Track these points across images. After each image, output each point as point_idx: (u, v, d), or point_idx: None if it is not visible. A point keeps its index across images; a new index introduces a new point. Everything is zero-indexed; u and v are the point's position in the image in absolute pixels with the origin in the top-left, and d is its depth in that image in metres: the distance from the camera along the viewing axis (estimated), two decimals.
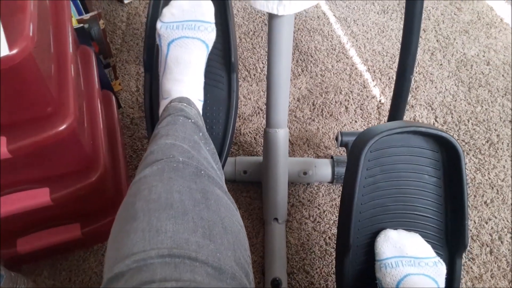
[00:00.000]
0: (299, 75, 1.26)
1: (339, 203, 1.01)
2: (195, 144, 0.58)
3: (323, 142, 1.11)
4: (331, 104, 1.19)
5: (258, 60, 1.29)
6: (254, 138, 1.12)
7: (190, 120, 0.62)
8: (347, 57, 1.31)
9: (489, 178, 1.05)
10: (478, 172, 1.07)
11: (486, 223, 0.99)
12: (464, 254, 0.66)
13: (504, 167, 1.07)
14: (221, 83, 0.83)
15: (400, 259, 0.59)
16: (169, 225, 0.43)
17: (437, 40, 1.36)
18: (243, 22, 1.39)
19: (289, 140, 1.11)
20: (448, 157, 0.64)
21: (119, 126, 1.00)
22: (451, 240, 0.65)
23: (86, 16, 1.00)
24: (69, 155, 0.70)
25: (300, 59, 1.30)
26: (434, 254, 0.61)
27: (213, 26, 0.72)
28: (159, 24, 0.72)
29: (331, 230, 0.97)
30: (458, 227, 0.63)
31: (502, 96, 1.21)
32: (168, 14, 0.71)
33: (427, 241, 0.63)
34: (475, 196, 1.03)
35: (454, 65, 1.29)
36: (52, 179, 0.71)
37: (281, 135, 0.89)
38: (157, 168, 0.50)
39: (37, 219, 0.79)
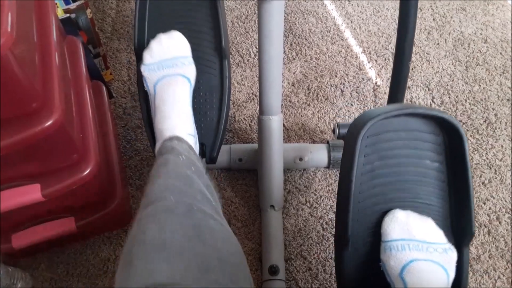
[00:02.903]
0: (293, 59, 1.24)
1: (336, 188, 1.00)
2: (188, 179, 0.58)
3: (318, 127, 1.10)
4: (327, 87, 1.17)
5: (251, 45, 1.27)
6: (249, 125, 1.11)
7: (181, 157, 0.62)
8: (342, 39, 1.28)
9: (487, 158, 1.05)
10: (476, 152, 1.06)
11: (484, 203, 0.98)
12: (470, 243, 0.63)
13: (502, 146, 1.06)
14: (213, 68, 0.82)
15: (407, 242, 0.56)
16: (163, 265, 0.43)
17: (433, 19, 1.34)
18: (235, 6, 1.36)
19: (284, 126, 1.10)
20: (450, 140, 0.61)
21: (111, 116, 0.99)
22: (456, 229, 0.61)
23: (73, 6, 0.98)
24: (58, 150, 0.69)
25: (294, 43, 1.27)
26: (446, 240, 0.58)
27: (190, 59, 0.76)
28: (142, 68, 0.75)
29: (328, 216, 0.96)
30: (464, 214, 0.60)
31: (500, 75, 1.20)
32: (148, 56, 0.75)
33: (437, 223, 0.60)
34: (473, 176, 1.02)
35: (451, 44, 1.27)
36: (43, 174, 0.70)
37: (275, 122, 0.88)
38: (150, 210, 0.51)
39: (31, 214, 0.79)
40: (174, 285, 0.41)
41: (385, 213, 0.61)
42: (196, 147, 0.73)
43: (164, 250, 0.45)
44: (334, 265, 0.90)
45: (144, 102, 0.79)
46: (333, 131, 0.93)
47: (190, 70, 0.76)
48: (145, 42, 0.81)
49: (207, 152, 0.81)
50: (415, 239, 0.56)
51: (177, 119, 0.70)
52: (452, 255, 0.57)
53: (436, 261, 0.56)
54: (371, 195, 0.62)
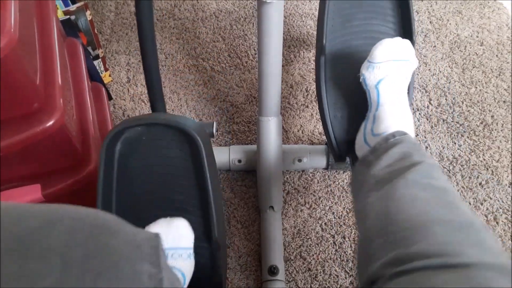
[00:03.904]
0: (292, 61, 1.24)
1: (334, 189, 1.01)
2: None
3: (317, 129, 1.11)
4: None
5: (249, 47, 1.27)
6: (248, 126, 1.11)
7: None
8: None
9: (484, 160, 1.05)
10: (472, 153, 1.06)
11: (482, 204, 0.99)
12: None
13: (498, 148, 1.07)
14: (202, 260, 0.64)
15: (387, 62, 0.71)
16: None
17: (430, 22, 1.35)
18: (234, 9, 1.37)
19: (283, 128, 1.10)
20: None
21: (111, 118, 0.99)
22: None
23: (73, 7, 0.98)
24: (59, 151, 0.69)
25: (292, 45, 1.28)
26: (414, 55, 0.73)
27: (191, 253, 0.61)
28: None
29: (326, 216, 0.97)
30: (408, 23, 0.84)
31: (496, 77, 1.21)
32: None
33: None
34: (470, 177, 1.03)
35: (448, 47, 1.28)
36: (44, 175, 0.70)
37: (274, 123, 0.88)
38: None
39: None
40: None
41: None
42: None
43: None
44: (333, 265, 0.91)
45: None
46: None
47: (188, 266, 0.61)
48: (112, 205, 0.64)
49: None
50: (394, 59, 0.71)
51: None
52: (414, 61, 0.74)
53: (403, 72, 0.72)
54: (340, 24, 0.81)
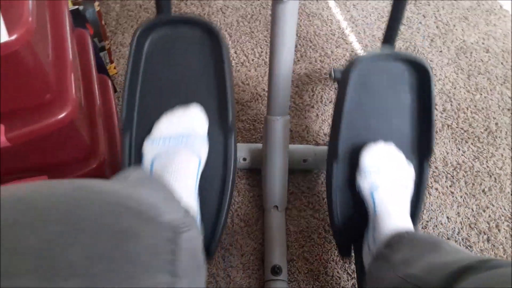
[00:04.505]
0: (298, 61, 1.24)
1: None
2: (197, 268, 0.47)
3: (322, 129, 1.11)
4: (331, 90, 1.18)
5: (256, 44, 1.27)
6: (253, 124, 1.11)
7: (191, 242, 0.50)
8: (346, 43, 1.29)
9: (487, 167, 1.06)
10: (476, 160, 1.07)
11: (484, 211, 0.99)
12: (430, 159, 0.83)
13: (502, 155, 1.08)
14: (216, 149, 0.69)
15: (377, 167, 0.70)
16: None
17: (436, 27, 1.35)
18: (241, 5, 1.36)
19: None
20: (421, 79, 0.77)
21: (116, 111, 0.98)
22: (420, 148, 0.77)
23: None
24: (68, 143, 0.68)
25: (299, 45, 1.28)
26: (406, 160, 0.74)
27: (205, 138, 0.66)
28: (146, 140, 0.66)
29: None
30: (426, 136, 0.76)
31: (501, 84, 1.21)
32: (157, 128, 0.66)
33: (402, 148, 0.75)
34: (473, 184, 1.03)
35: (454, 52, 1.28)
36: (51, 167, 0.69)
37: (282, 122, 0.88)
38: None
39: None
40: None
41: (367, 136, 0.76)
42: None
43: None
44: (335, 267, 0.91)
45: (128, 149, 0.68)
46: (329, 75, 1.04)
47: (202, 150, 0.66)
48: (135, 113, 0.70)
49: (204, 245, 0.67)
50: (382, 164, 0.71)
51: (178, 191, 0.58)
52: (411, 171, 0.74)
53: (399, 180, 0.70)
54: (358, 122, 0.77)
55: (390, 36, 0.96)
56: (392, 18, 0.92)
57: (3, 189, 0.34)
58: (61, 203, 0.33)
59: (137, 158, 0.67)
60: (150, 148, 0.65)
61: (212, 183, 0.67)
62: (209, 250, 0.66)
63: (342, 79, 0.78)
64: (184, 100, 0.69)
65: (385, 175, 0.70)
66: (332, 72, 1.10)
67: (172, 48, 0.72)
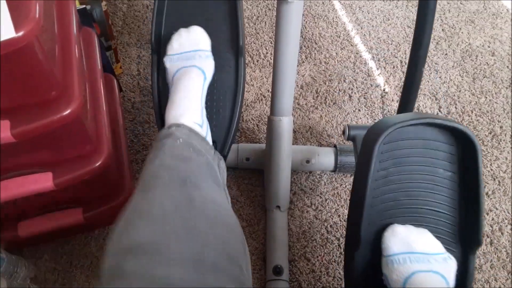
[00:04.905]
0: (303, 62, 1.24)
1: (341, 192, 1.01)
2: (185, 158, 0.59)
3: (326, 131, 1.11)
4: (335, 92, 1.18)
5: (261, 46, 1.27)
6: (257, 125, 1.11)
7: (178, 140, 0.62)
8: (351, 45, 1.29)
9: (491, 170, 1.06)
10: None
11: (487, 214, 0.99)
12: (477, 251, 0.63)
13: (506, 158, 1.07)
14: (228, 66, 0.82)
15: (408, 255, 0.57)
16: (145, 229, 0.44)
17: (442, 29, 1.35)
18: (247, 7, 1.37)
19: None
20: (464, 150, 0.62)
21: (121, 110, 0.99)
22: (464, 237, 0.62)
23: None
24: (73, 140, 0.69)
25: (304, 46, 1.28)
26: (444, 250, 0.59)
27: (209, 54, 0.77)
28: (164, 59, 0.78)
29: (332, 219, 0.97)
30: (472, 223, 0.61)
31: (506, 88, 1.21)
32: (170, 48, 0.78)
33: (439, 237, 0.61)
34: None
35: (459, 55, 1.28)
36: (56, 163, 0.70)
37: (286, 123, 0.88)
38: (142, 186, 0.52)
39: (40, 203, 0.79)
40: (152, 244, 0.42)
41: (395, 219, 0.62)
42: (208, 138, 0.72)
43: (148, 216, 0.46)
44: (337, 268, 0.91)
45: (156, 68, 0.81)
46: (343, 132, 0.92)
47: (207, 64, 0.76)
48: (161, 37, 0.82)
49: (218, 150, 0.81)
50: (415, 251, 0.58)
51: (183, 108, 0.69)
52: (451, 263, 0.58)
53: (436, 271, 0.56)
54: (384, 200, 0.63)
55: (407, 103, 0.85)
56: (407, 85, 0.83)
57: None
58: None
59: (162, 73, 0.80)
60: (170, 64, 0.77)
61: (225, 95, 0.80)
62: (222, 155, 0.78)
63: (364, 147, 0.64)
64: (201, 23, 0.80)
65: (419, 263, 0.57)
66: (347, 129, 0.91)
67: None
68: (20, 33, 0.47)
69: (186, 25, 0.80)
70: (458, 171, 0.63)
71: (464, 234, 0.63)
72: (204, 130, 0.71)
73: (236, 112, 0.80)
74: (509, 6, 1.42)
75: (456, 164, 0.63)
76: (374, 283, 0.62)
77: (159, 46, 0.81)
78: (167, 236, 0.44)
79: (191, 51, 0.76)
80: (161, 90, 0.79)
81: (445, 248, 0.60)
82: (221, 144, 0.81)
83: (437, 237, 0.61)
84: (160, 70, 0.80)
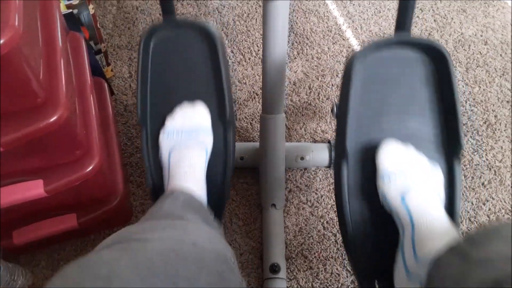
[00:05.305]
0: (295, 58, 1.24)
1: None
2: (178, 217, 0.58)
3: (320, 127, 1.10)
4: (328, 87, 1.18)
5: (253, 43, 1.27)
6: (250, 123, 1.11)
7: (179, 199, 0.63)
8: (343, 39, 1.28)
9: (487, 159, 1.05)
10: (475, 153, 1.06)
11: (484, 204, 0.99)
12: (461, 160, 0.67)
13: (501, 148, 1.07)
14: (218, 136, 0.76)
15: (401, 169, 0.61)
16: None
17: (434, 20, 1.34)
18: (237, 4, 1.36)
19: (286, 125, 1.10)
20: (437, 66, 0.67)
21: (113, 113, 0.99)
22: (447, 143, 0.66)
23: (75, 1, 0.97)
24: (62, 146, 0.68)
25: (296, 42, 1.27)
26: (429, 164, 0.63)
27: (210, 131, 0.75)
28: (162, 132, 0.75)
29: (329, 215, 0.97)
30: (453, 130, 0.65)
31: (500, 76, 1.20)
32: (172, 122, 0.75)
33: (424, 147, 0.65)
34: (472, 177, 1.02)
35: (452, 45, 1.27)
36: (47, 170, 0.70)
37: (278, 120, 0.88)
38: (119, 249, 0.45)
39: (33, 210, 0.78)
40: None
41: (381, 135, 0.66)
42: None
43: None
44: (334, 264, 0.91)
45: (145, 142, 0.76)
46: (331, 110, 0.92)
47: (208, 141, 0.74)
48: (147, 105, 0.76)
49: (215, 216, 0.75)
50: (407, 166, 0.61)
51: (191, 184, 0.67)
52: (438, 175, 0.63)
53: (429, 185, 0.60)
54: (367, 116, 0.67)
55: (403, 21, 0.78)
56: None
57: None
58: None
59: (154, 148, 0.75)
60: (166, 141, 0.73)
61: (217, 165, 0.76)
62: (216, 216, 0.74)
63: (345, 72, 0.68)
64: (188, 96, 0.76)
65: (414, 177, 0.60)
66: (335, 108, 0.92)
67: (174, 49, 0.77)
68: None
69: (172, 98, 0.76)
70: (434, 83, 0.68)
71: (446, 140, 0.67)
72: (205, 205, 0.69)
73: (227, 178, 0.76)
74: None
75: (432, 80, 0.68)
76: (363, 202, 0.66)
77: (146, 116, 0.76)
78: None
79: (193, 129, 0.73)
80: (152, 170, 0.75)
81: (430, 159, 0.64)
82: (216, 211, 0.73)
83: (421, 150, 0.65)
84: (151, 141, 0.76)
